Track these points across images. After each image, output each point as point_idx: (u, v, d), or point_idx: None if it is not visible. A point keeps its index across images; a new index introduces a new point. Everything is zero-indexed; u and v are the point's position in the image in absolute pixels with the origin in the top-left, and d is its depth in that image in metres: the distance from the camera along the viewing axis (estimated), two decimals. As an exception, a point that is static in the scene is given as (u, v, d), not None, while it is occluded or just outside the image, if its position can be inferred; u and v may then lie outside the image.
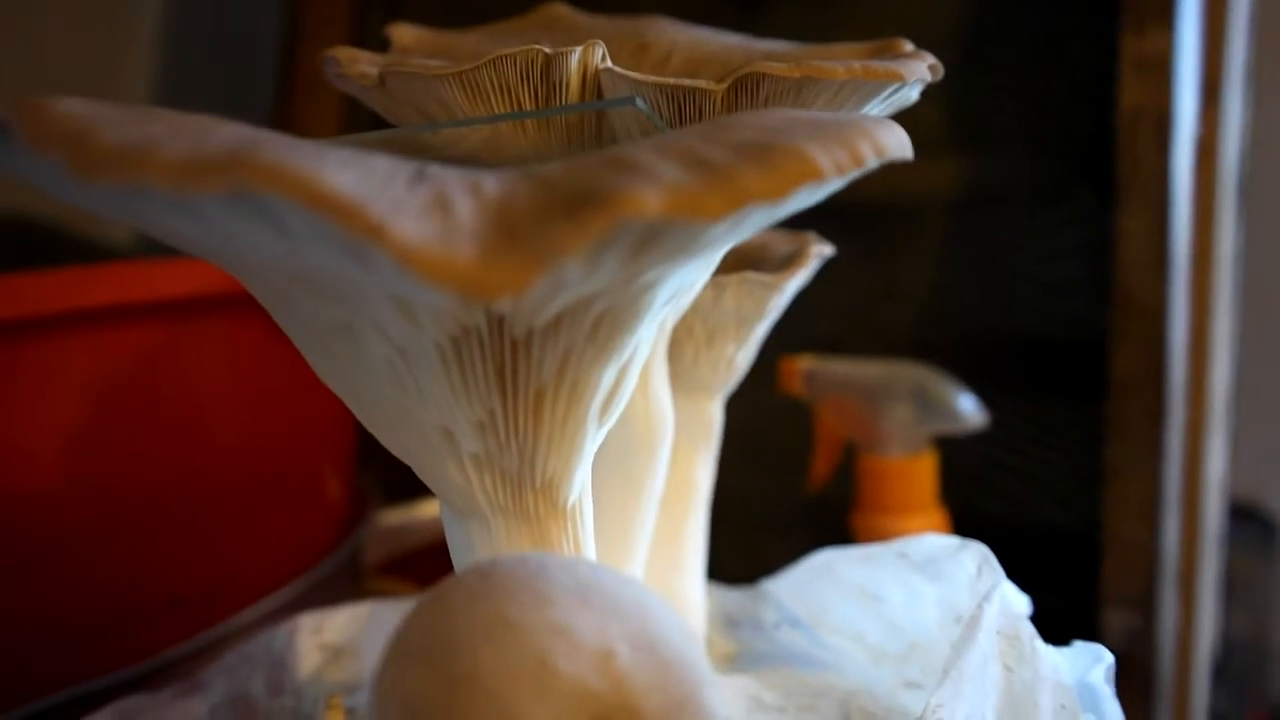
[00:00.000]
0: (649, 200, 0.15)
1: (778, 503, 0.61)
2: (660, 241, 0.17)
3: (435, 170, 0.17)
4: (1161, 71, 0.52)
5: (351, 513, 0.53)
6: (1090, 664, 0.28)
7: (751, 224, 0.18)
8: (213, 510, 0.43)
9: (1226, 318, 0.59)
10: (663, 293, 0.21)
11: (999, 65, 0.57)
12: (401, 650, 0.18)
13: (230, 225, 0.16)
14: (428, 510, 0.58)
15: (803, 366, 0.52)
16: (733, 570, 0.44)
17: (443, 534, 0.26)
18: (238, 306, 0.42)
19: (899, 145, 0.19)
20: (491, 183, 0.17)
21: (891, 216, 0.59)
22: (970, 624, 0.27)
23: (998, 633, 0.27)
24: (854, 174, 0.18)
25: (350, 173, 0.16)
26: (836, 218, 0.44)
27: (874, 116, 0.20)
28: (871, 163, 0.18)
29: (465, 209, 0.16)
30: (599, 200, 0.15)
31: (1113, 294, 0.53)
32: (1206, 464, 0.57)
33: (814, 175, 0.17)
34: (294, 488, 0.48)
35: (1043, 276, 0.57)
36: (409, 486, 0.50)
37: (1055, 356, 0.56)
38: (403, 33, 0.32)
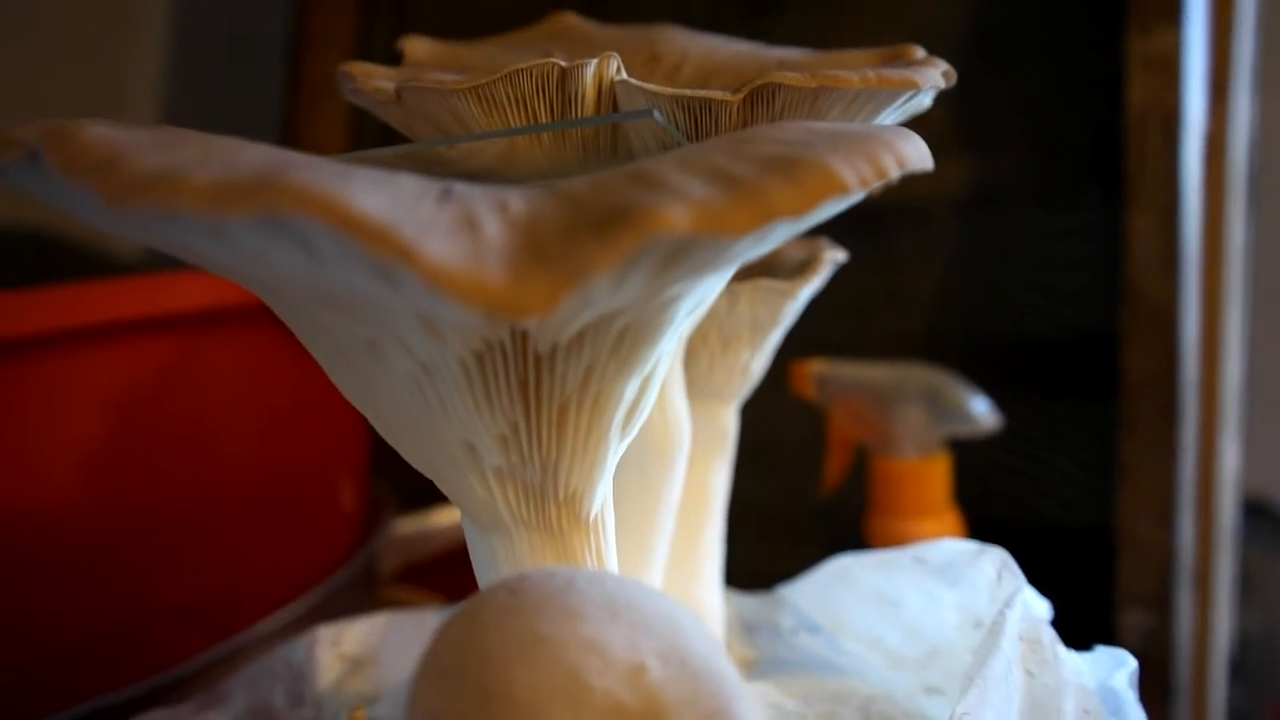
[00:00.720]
0: (677, 217, 0.15)
1: (791, 507, 0.61)
2: (686, 257, 0.17)
3: (461, 189, 0.17)
4: (1169, 70, 0.52)
5: (366, 521, 0.53)
6: (1113, 668, 0.28)
7: (776, 238, 0.19)
8: (228, 521, 0.43)
9: (1237, 314, 0.59)
10: (685, 306, 0.21)
11: (1006, 66, 0.57)
12: (434, 667, 0.18)
13: (260, 248, 0.16)
14: (443, 518, 0.58)
15: (814, 370, 0.52)
16: (749, 576, 0.44)
17: (459, 542, 0.26)
18: (250, 318, 0.42)
19: (920, 157, 0.19)
20: (518, 201, 0.17)
21: (900, 219, 0.59)
22: (993, 630, 0.27)
23: (1019, 638, 0.27)
24: (876, 186, 0.18)
25: (379, 194, 0.16)
26: (846, 220, 0.44)
27: (894, 127, 0.20)
28: (894, 175, 0.18)
29: (493, 228, 0.16)
30: (627, 218, 0.15)
31: (1123, 293, 0.53)
32: (1220, 461, 0.57)
33: (839, 189, 0.17)
34: (309, 497, 0.49)
35: (1053, 277, 0.57)
36: (423, 494, 0.50)
37: (1066, 356, 0.56)
38: (415, 46, 0.32)
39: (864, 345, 0.59)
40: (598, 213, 0.16)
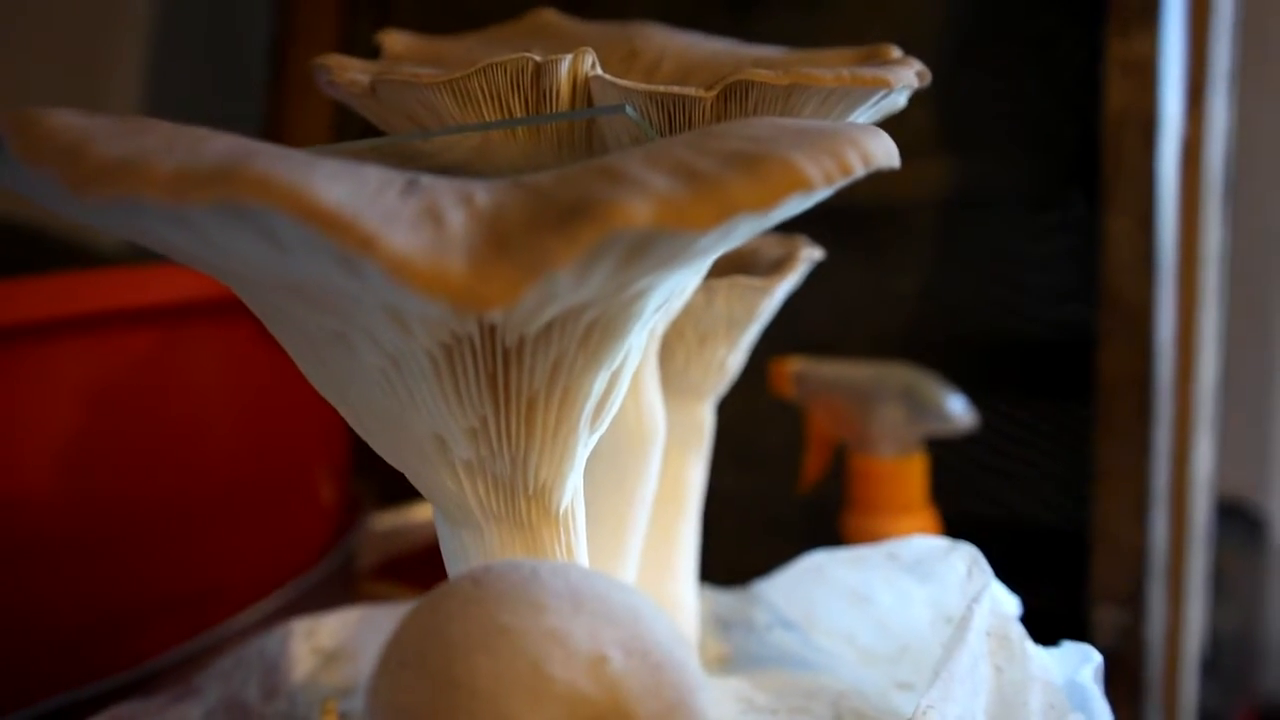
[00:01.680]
0: (639, 211, 0.16)
1: (769, 504, 0.62)
2: (650, 251, 0.17)
3: (427, 181, 0.17)
4: (1146, 74, 0.53)
5: (345, 517, 0.53)
6: (1079, 663, 0.28)
7: (741, 233, 0.19)
8: (207, 515, 0.43)
9: (1213, 317, 0.59)
10: (653, 300, 0.21)
11: (986, 68, 0.58)
12: (396, 657, 0.18)
13: (223, 237, 0.17)
14: (421, 514, 0.58)
15: (793, 368, 0.53)
16: (724, 572, 0.44)
17: (436, 538, 0.26)
18: (230, 312, 0.42)
19: (886, 154, 0.19)
20: (483, 193, 0.17)
21: (881, 219, 0.60)
22: (960, 625, 0.27)
23: (987, 633, 0.28)
24: (842, 183, 0.18)
25: (342, 184, 0.16)
26: (826, 220, 0.45)
27: (861, 125, 0.20)
28: (859, 172, 0.18)
29: (457, 220, 0.16)
30: (590, 211, 0.16)
31: (1100, 295, 0.54)
32: (1194, 462, 0.57)
33: (802, 185, 0.17)
34: (288, 492, 0.49)
35: (1031, 278, 0.57)
36: (402, 490, 0.50)
37: (1044, 357, 0.57)
38: (393, 40, 0.32)
39: (846, 345, 0.60)
40: (561, 206, 0.16)
